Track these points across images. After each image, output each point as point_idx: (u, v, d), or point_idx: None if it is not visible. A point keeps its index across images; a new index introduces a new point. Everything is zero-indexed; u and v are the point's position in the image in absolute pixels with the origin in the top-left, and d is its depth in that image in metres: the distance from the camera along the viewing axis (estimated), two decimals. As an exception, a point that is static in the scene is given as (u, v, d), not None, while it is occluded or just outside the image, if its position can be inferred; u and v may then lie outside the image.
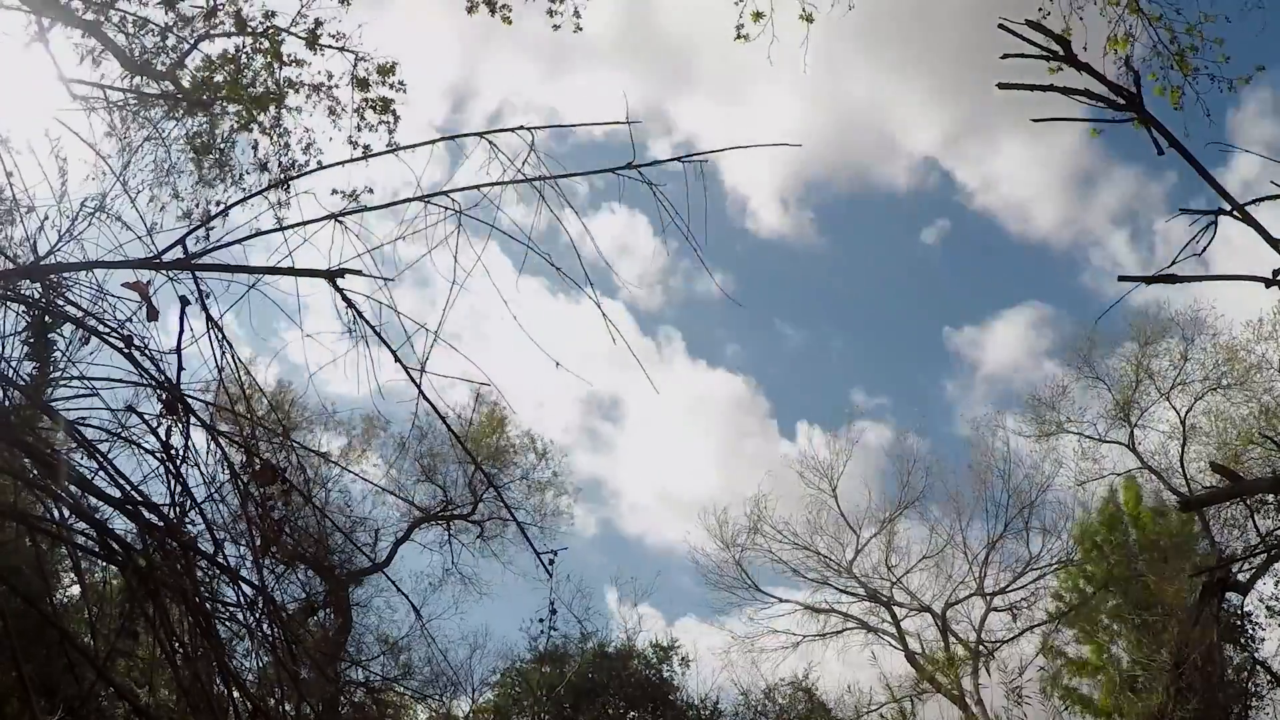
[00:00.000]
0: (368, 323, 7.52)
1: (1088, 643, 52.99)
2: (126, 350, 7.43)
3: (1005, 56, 13.68)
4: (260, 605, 7.72)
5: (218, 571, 7.88)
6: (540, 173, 7.88)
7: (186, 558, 7.51)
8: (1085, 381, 58.72)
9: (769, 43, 20.50)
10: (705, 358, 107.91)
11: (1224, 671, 42.43)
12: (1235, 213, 12.96)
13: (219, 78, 24.24)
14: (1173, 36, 19.25)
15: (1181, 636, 42.28)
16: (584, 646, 49.76)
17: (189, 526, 7.62)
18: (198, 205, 24.81)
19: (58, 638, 7.16)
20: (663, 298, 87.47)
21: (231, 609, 7.83)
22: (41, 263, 7.97)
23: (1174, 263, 13.33)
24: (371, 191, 24.26)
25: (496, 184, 7.81)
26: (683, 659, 50.47)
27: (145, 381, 7.51)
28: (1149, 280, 13.36)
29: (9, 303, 8.12)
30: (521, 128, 7.93)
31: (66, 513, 7.39)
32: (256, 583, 7.78)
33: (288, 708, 7.96)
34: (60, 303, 7.91)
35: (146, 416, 7.57)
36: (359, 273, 7.49)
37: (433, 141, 8.05)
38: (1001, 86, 13.76)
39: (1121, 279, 13.53)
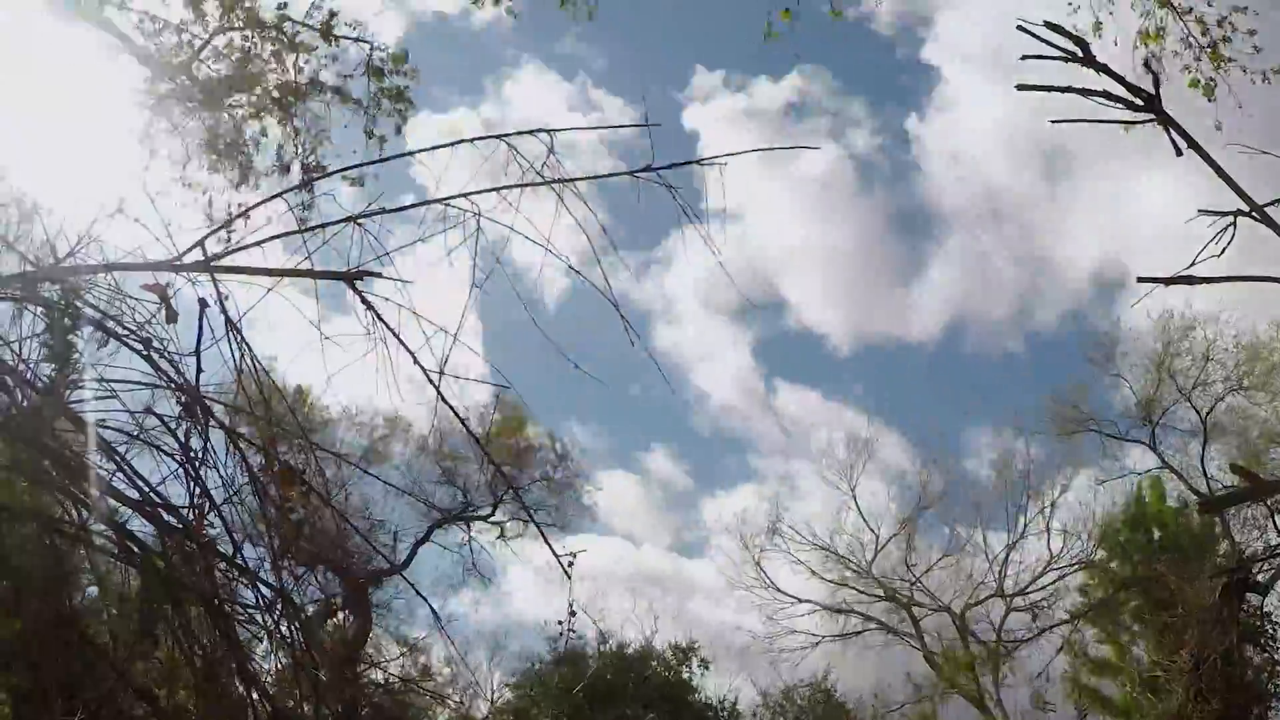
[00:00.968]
0: (386, 324, 7.52)
1: (1109, 642, 52.87)
2: (145, 352, 7.44)
3: (1025, 58, 13.66)
4: (279, 607, 7.72)
5: (236, 573, 7.88)
6: (559, 175, 7.88)
7: (205, 559, 7.52)
8: (1107, 380, 58.68)
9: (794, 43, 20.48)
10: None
11: (1244, 673, 42.22)
12: (1255, 214, 12.93)
13: (230, 70, 24.26)
14: (1204, 29, 19.21)
15: (1201, 637, 42.09)
16: (602, 648, 49.75)
17: (208, 528, 7.62)
18: (209, 199, 24.83)
19: (77, 639, 7.17)
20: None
21: (250, 610, 7.83)
22: (61, 265, 7.97)
23: (1193, 263, 13.31)
24: (376, 177, 24.32)
25: (515, 186, 7.80)
26: (701, 661, 50.45)
27: (164, 383, 7.51)
28: (1168, 281, 13.34)
29: (29, 305, 8.13)
30: (540, 130, 7.93)
31: (86, 514, 7.39)
32: (275, 584, 7.78)
33: (306, 709, 7.96)
34: (79, 305, 7.92)
35: (165, 418, 7.57)
36: (378, 274, 7.48)
37: (452, 144, 8.04)
38: (1021, 88, 13.75)
39: (1141, 280, 13.53)
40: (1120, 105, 13.59)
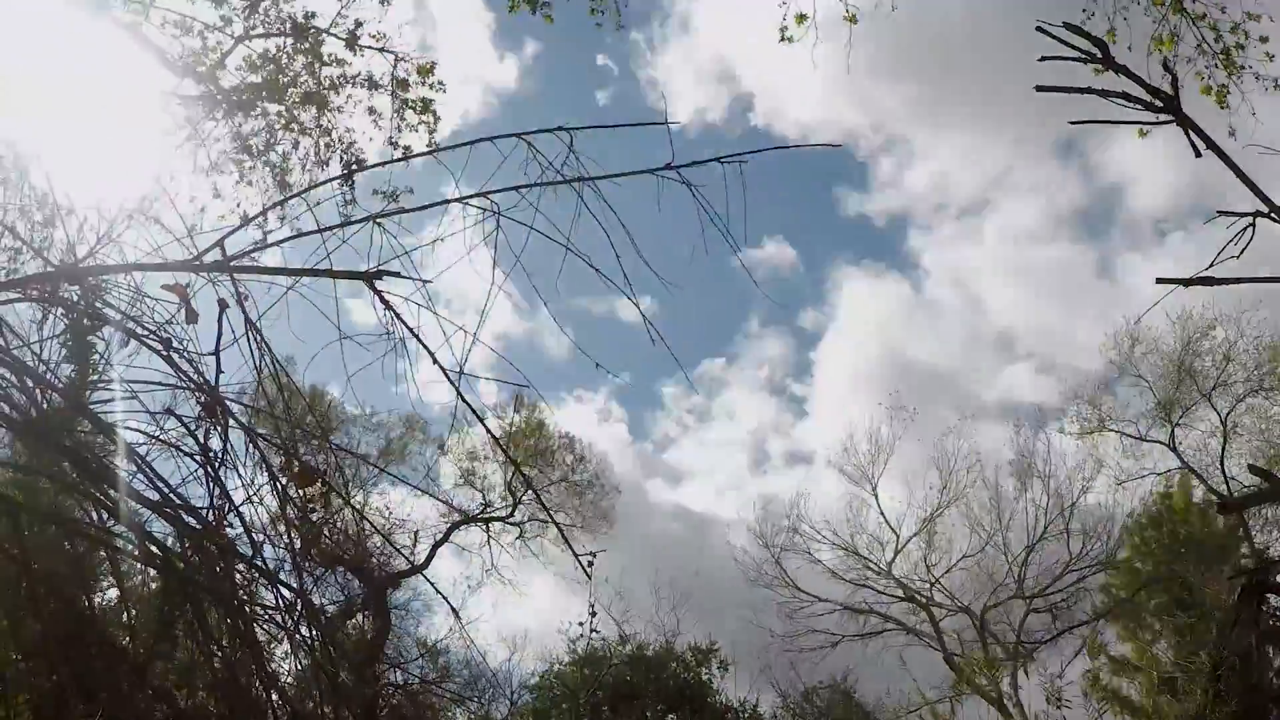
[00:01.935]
0: (405, 324, 7.51)
1: (1130, 641, 52.84)
2: (165, 353, 7.43)
3: (1044, 59, 13.62)
4: (299, 608, 7.71)
5: (256, 574, 7.87)
6: (579, 174, 7.87)
7: (225, 561, 7.51)
8: (1127, 380, 58.66)
9: (813, 44, 20.48)
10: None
11: (1264, 674, 42.17)
12: (1274, 215, 12.89)
13: (259, 78, 24.26)
14: (1217, 35, 19.18)
15: (1220, 638, 42.07)
16: (622, 649, 49.73)
17: (227, 529, 7.62)
18: (237, 207, 24.84)
19: (96, 640, 7.16)
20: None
21: (270, 612, 7.82)
22: (80, 265, 7.97)
23: (1212, 264, 13.26)
24: (412, 191, 24.28)
25: (535, 185, 7.79)
26: (721, 662, 50.41)
27: (184, 384, 7.51)
28: (1187, 283, 13.29)
29: (49, 305, 8.13)
30: (560, 129, 7.91)
31: (105, 516, 7.38)
32: (295, 585, 7.77)
33: (326, 711, 7.95)
34: (99, 305, 7.91)
35: (185, 419, 7.56)
36: (397, 274, 7.47)
37: (471, 143, 8.03)
38: (1040, 89, 13.71)
39: (1160, 281, 13.48)
40: (1139, 107, 13.56)
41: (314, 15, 24.28)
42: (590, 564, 9.79)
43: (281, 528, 8.01)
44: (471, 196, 7.72)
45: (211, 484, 7.46)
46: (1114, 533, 57.01)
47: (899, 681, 58.11)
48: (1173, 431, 56.59)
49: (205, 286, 7.52)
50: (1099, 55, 13.73)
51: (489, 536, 52.19)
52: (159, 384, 7.66)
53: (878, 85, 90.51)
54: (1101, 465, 59.11)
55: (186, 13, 23.49)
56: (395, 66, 24.90)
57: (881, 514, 62.86)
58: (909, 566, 62.24)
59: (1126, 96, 13.50)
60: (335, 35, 24.43)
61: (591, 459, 55.73)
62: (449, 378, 7.55)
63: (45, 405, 7.66)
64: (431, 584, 50.03)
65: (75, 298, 8.04)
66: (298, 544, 8.05)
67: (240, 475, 7.70)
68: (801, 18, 20.50)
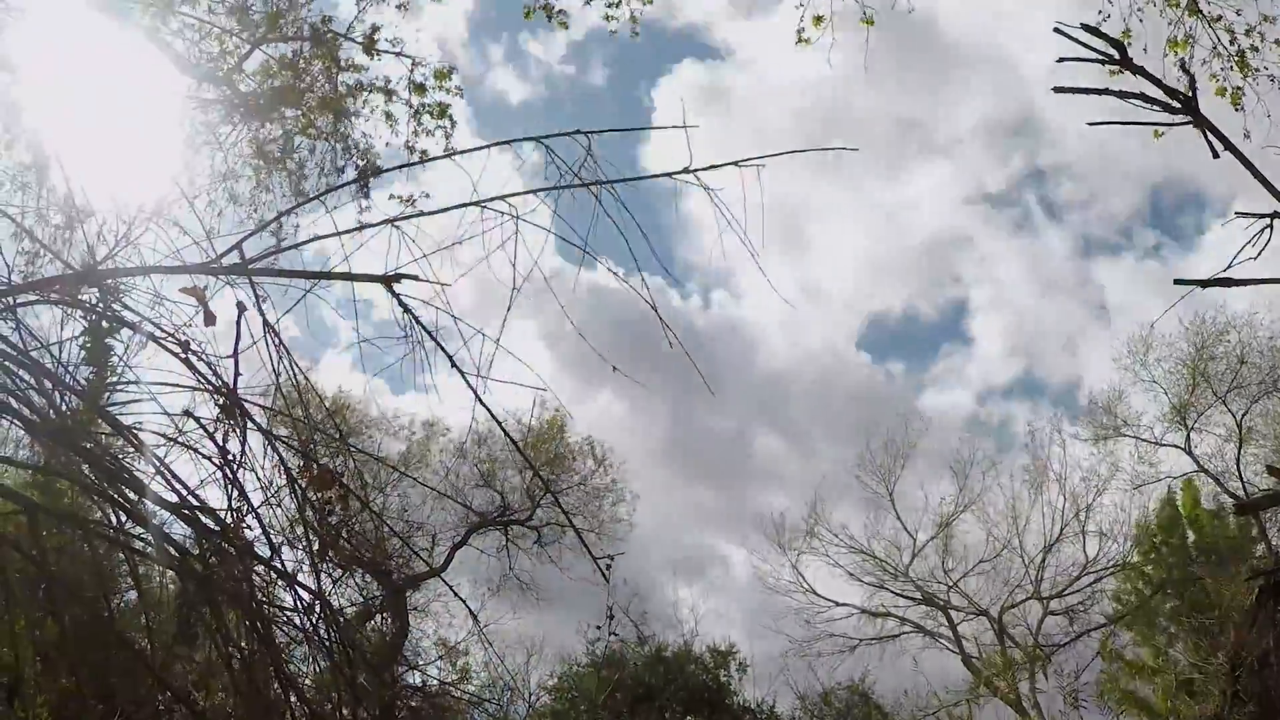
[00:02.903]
0: (425, 328, 7.51)
1: (1145, 645, 52.78)
2: (183, 355, 7.44)
3: (1061, 60, 13.63)
4: (317, 610, 7.72)
5: (275, 576, 7.88)
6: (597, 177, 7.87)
7: (243, 562, 7.52)
8: (1141, 384, 58.53)
9: (829, 46, 20.46)
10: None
11: (1280, 676, 42.08)
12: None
13: (277, 82, 24.27)
14: (1233, 38, 19.13)
15: (1238, 640, 41.97)
16: (641, 651, 49.74)
17: (246, 531, 7.62)
18: (256, 210, 24.86)
19: (115, 642, 7.18)
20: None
21: (288, 613, 7.83)
22: (99, 268, 7.98)
23: (1230, 265, 13.26)
24: (429, 196, 24.27)
25: (554, 188, 7.80)
26: (739, 664, 50.41)
27: (202, 386, 7.52)
28: (1204, 284, 13.30)
29: (68, 308, 8.15)
30: (578, 132, 7.92)
31: (124, 518, 7.40)
32: (313, 587, 7.78)
33: (344, 712, 7.96)
34: (118, 308, 7.93)
35: (203, 421, 7.57)
36: (416, 278, 7.48)
37: (489, 146, 8.04)
38: (1058, 90, 13.72)
39: (1177, 282, 13.48)
40: (1157, 108, 13.56)
41: (331, 20, 24.30)
42: (608, 567, 9.78)
43: (300, 530, 8.02)
44: (490, 200, 7.73)
45: (230, 486, 7.47)
46: (1129, 536, 57.00)
47: (917, 683, 58.18)
48: (1188, 435, 56.53)
49: (223, 289, 7.54)
50: (1116, 57, 13.74)
51: (507, 539, 52.22)
52: (177, 386, 7.68)
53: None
54: (1117, 469, 59.10)
55: (204, 18, 23.52)
56: (412, 71, 24.89)
57: (898, 518, 62.93)
58: (926, 570, 62.31)
59: (1144, 97, 13.50)
60: (352, 40, 24.42)
61: (612, 463, 55.69)
62: (468, 381, 7.55)
63: (64, 407, 7.67)
64: (450, 586, 50.06)
65: (94, 300, 8.06)
66: (316, 546, 8.07)
67: (259, 477, 7.72)
68: (819, 20, 20.49)
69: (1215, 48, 19.28)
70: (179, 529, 7.61)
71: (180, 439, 7.71)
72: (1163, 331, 56.74)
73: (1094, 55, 13.67)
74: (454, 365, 7.52)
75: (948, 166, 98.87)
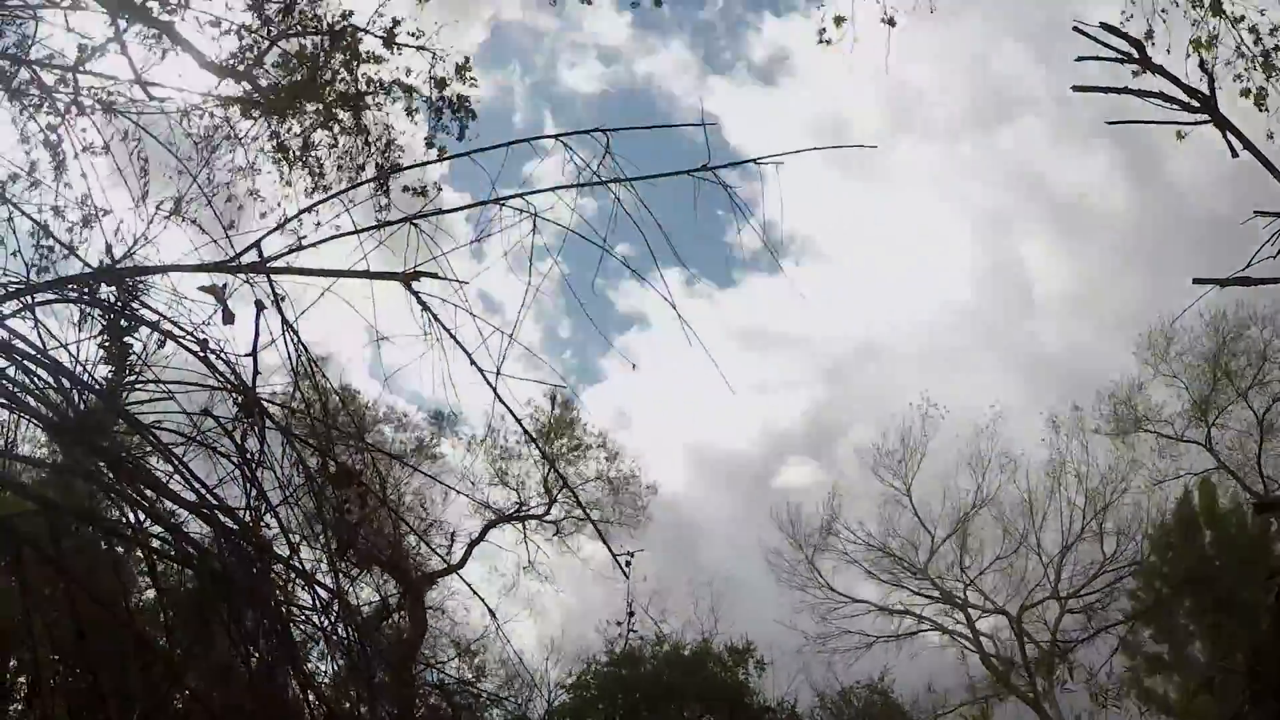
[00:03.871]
0: (443, 325, 7.50)
1: (1165, 642, 52.72)
2: (202, 354, 7.43)
3: (1080, 59, 13.60)
4: (335, 608, 7.71)
5: (292, 575, 7.87)
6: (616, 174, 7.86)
7: (261, 561, 7.51)
8: (1162, 380, 58.38)
9: (850, 46, 20.44)
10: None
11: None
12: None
13: (297, 77, 24.24)
14: (1256, 38, 19.05)
15: (1257, 639, 41.97)
16: (660, 649, 49.75)
17: (264, 530, 7.62)
18: (277, 206, 24.81)
19: (133, 641, 7.17)
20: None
21: (306, 612, 7.82)
22: (118, 266, 7.99)
23: (1249, 264, 13.23)
24: (440, 189, 24.28)
25: (572, 186, 7.78)
26: (758, 662, 50.41)
27: (220, 385, 7.52)
28: (1223, 283, 13.27)
29: (86, 306, 8.14)
30: (597, 130, 7.90)
31: (142, 516, 7.39)
32: (331, 586, 7.77)
33: (362, 711, 7.95)
34: (136, 306, 7.93)
35: (222, 420, 7.56)
36: (434, 275, 7.47)
37: (509, 144, 8.02)
38: (1076, 89, 13.68)
39: (1196, 281, 13.46)
40: (1176, 107, 13.52)
41: (351, 14, 24.25)
42: (628, 563, 9.81)
43: (318, 528, 8.02)
44: (509, 197, 7.72)
45: (248, 484, 7.46)
46: (1148, 533, 56.92)
47: (936, 681, 58.15)
48: (1209, 431, 56.41)
49: (242, 287, 7.53)
50: (1136, 56, 13.71)
51: (525, 536, 52.23)
52: (196, 385, 7.67)
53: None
54: (1137, 465, 58.99)
55: (223, 13, 23.49)
56: (433, 65, 24.85)
57: (915, 514, 62.87)
58: (944, 567, 62.27)
59: (1164, 97, 13.47)
60: (372, 33, 24.39)
61: (627, 456, 55.66)
62: (486, 378, 7.54)
63: (82, 406, 7.66)
64: (467, 583, 50.18)
65: (112, 299, 8.05)
66: (334, 544, 8.06)
67: (277, 476, 7.70)
68: (840, 20, 20.47)
69: (1238, 48, 19.21)
70: (197, 528, 7.61)
71: (199, 438, 7.70)
72: (1184, 325, 56.61)
73: (1113, 54, 13.65)
74: (472, 362, 7.52)
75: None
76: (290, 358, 7.55)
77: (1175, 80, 13.64)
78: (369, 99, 24.77)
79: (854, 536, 62.82)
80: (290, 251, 7.72)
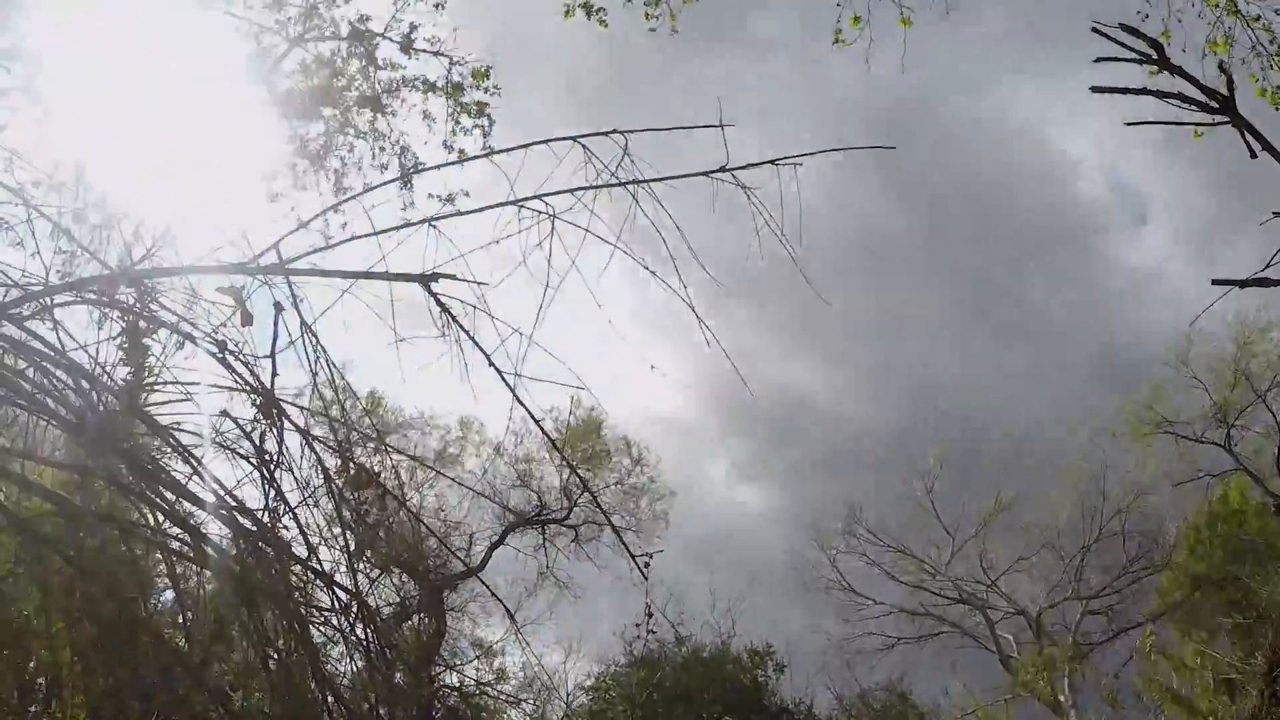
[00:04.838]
0: (462, 327, 7.51)
1: (1185, 643, 52.62)
2: (221, 355, 7.45)
3: (1099, 60, 13.57)
4: (354, 610, 7.72)
5: (312, 576, 7.88)
6: (634, 176, 7.86)
7: (281, 562, 7.52)
8: (1182, 382, 58.25)
9: (867, 46, 20.41)
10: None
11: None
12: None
13: (315, 81, 24.26)
14: (1272, 37, 19.01)
15: (1276, 640, 41.96)
16: (679, 651, 49.76)
17: (283, 531, 7.62)
18: (293, 209, 24.83)
19: (153, 642, 7.18)
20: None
21: (325, 613, 7.83)
22: (137, 268, 7.99)
23: (1268, 265, 13.19)
24: (468, 195, 24.24)
25: (590, 188, 7.78)
26: (777, 664, 50.39)
27: (239, 386, 7.53)
28: (1243, 284, 13.23)
29: (105, 308, 8.15)
30: (615, 131, 7.90)
31: (161, 518, 7.41)
32: (351, 587, 7.78)
33: (381, 713, 7.95)
34: (155, 308, 7.94)
35: (241, 421, 7.58)
36: (453, 277, 7.47)
37: (527, 145, 8.03)
38: (1095, 90, 13.66)
39: (1215, 282, 13.41)
40: (1195, 108, 13.49)
41: (369, 19, 24.27)
42: (647, 565, 9.79)
43: (337, 530, 8.02)
44: (528, 199, 7.72)
45: (267, 486, 7.48)
46: (1170, 535, 56.89)
47: (955, 682, 58.15)
48: (1228, 433, 56.25)
49: (261, 289, 7.53)
50: (1154, 56, 13.69)
51: (545, 539, 52.25)
52: (215, 386, 7.69)
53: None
54: (1157, 467, 58.92)
55: (243, 15, 23.54)
56: (450, 70, 24.84)
57: (937, 517, 62.86)
58: (965, 569, 62.24)
59: (1182, 97, 13.44)
60: (390, 39, 24.40)
61: (648, 461, 55.66)
62: (505, 380, 7.55)
63: (101, 407, 7.68)
64: (487, 586, 50.07)
65: (131, 301, 8.07)
66: (353, 546, 8.07)
67: (296, 477, 7.72)
68: (856, 19, 20.45)
69: (1254, 47, 19.17)
70: (216, 529, 7.62)
71: (218, 439, 7.72)
72: (1203, 328, 56.47)
73: (1131, 55, 13.63)
74: (491, 364, 7.52)
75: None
76: (309, 359, 7.56)
77: (1194, 80, 13.61)
78: (386, 98, 24.77)
79: (875, 539, 62.89)
80: (310, 253, 7.73)
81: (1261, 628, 44.81)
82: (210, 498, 7.32)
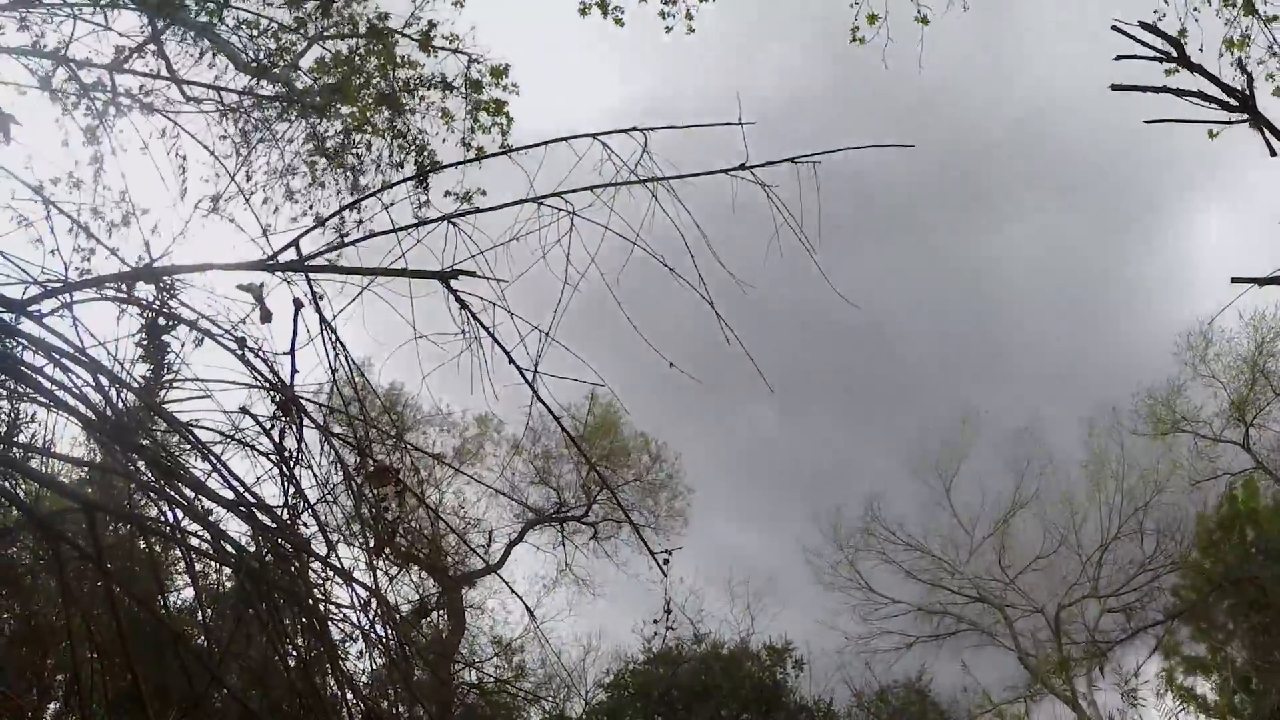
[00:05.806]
0: (481, 324, 7.51)
1: (1203, 641, 52.52)
2: (240, 352, 7.45)
3: (1119, 58, 13.56)
4: (373, 607, 7.72)
5: (331, 573, 7.88)
6: (653, 174, 7.85)
7: (300, 560, 7.52)
8: (1200, 380, 58.11)
9: (884, 45, 20.38)
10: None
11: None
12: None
13: (332, 79, 24.25)
14: (1289, 36, 18.99)
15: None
16: (697, 648, 49.70)
17: (302, 528, 7.62)
18: (311, 207, 24.84)
19: (171, 640, 7.17)
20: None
21: (345, 611, 7.82)
22: (156, 265, 7.99)
23: (1289, 263, 13.17)
24: (484, 193, 24.20)
25: (609, 185, 7.77)
26: (796, 662, 50.31)
27: (259, 383, 7.52)
28: (1261, 282, 13.22)
29: (124, 305, 8.16)
30: (634, 129, 7.90)
31: (180, 515, 7.40)
32: (370, 584, 7.78)
33: (401, 710, 7.95)
34: (174, 305, 7.94)
35: (260, 418, 7.58)
36: (473, 274, 7.47)
37: (546, 143, 8.02)
38: (1115, 88, 13.63)
39: (1235, 280, 13.41)
40: (1214, 106, 13.48)
41: (387, 16, 24.26)
42: (666, 562, 9.78)
43: (356, 527, 8.02)
44: (546, 197, 7.72)
45: (286, 483, 7.47)
46: (1188, 533, 56.77)
47: (974, 680, 58.08)
48: (1246, 431, 56.11)
49: (280, 286, 7.54)
50: (1174, 54, 13.67)
51: (563, 536, 52.28)
52: (234, 383, 7.68)
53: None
54: (1175, 465, 58.81)
55: (260, 13, 23.54)
56: (469, 68, 24.82)
57: (954, 515, 62.82)
58: (983, 567, 62.17)
59: (1202, 96, 13.43)
60: (409, 36, 24.39)
61: (667, 458, 55.67)
62: (525, 377, 7.55)
63: (121, 404, 7.67)
64: (506, 583, 49.94)
65: (151, 298, 8.07)
66: (372, 543, 8.06)
67: (315, 474, 7.72)
68: (873, 18, 20.42)
69: (1271, 47, 19.16)
70: (235, 526, 7.62)
71: (237, 436, 7.72)
72: (1222, 326, 56.31)
73: (1151, 53, 13.61)
74: (511, 361, 7.52)
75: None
76: (329, 356, 7.56)
77: (1213, 79, 13.60)
78: (405, 95, 24.77)
79: (893, 537, 62.85)
80: (329, 250, 7.73)
81: (1278, 627, 44.72)
82: (230, 495, 7.32)
